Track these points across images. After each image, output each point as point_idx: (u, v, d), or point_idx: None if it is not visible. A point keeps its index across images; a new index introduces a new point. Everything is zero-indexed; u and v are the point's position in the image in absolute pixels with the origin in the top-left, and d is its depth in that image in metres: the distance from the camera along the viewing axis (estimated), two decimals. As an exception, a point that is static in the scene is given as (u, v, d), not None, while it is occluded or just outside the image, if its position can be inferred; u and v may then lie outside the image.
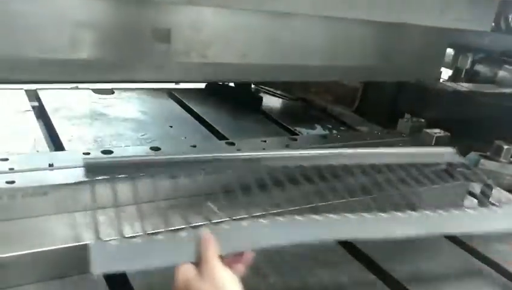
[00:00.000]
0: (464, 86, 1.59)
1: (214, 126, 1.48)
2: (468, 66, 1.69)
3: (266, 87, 1.98)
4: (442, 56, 1.42)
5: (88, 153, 0.98)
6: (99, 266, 0.63)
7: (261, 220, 0.73)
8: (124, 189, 0.84)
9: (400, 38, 1.24)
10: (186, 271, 0.65)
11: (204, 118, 1.55)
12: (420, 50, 1.29)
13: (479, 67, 1.79)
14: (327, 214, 0.78)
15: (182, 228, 0.75)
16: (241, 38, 1.01)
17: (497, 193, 1.27)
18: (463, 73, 1.70)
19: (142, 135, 1.33)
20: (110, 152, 1.01)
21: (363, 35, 1.16)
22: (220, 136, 1.41)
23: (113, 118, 1.43)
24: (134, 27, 0.89)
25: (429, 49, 1.31)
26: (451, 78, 1.77)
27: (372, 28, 1.17)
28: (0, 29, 0.76)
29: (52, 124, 1.31)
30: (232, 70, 1.04)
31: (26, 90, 1.52)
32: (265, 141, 1.22)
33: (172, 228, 0.76)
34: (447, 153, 1.12)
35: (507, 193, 1.29)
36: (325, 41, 1.12)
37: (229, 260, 0.68)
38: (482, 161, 1.26)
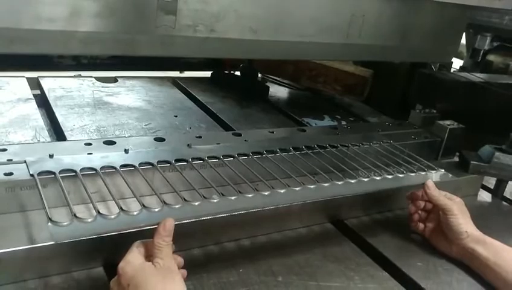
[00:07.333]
0: (478, 76, 1.54)
1: (220, 116, 1.45)
2: (486, 46, 1.62)
3: (273, 77, 1.94)
4: (459, 37, 1.34)
5: (90, 144, 0.95)
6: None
7: None
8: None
9: (415, 16, 1.16)
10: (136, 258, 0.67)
11: (210, 107, 1.52)
12: (437, 29, 1.21)
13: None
14: None
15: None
16: (252, 12, 0.93)
17: None
18: (480, 54, 1.64)
19: (146, 125, 1.29)
20: (113, 143, 0.97)
21: (379, 11, 1.10)
22: (226, 127, 1.37)
23: (116, 107, 1.39)
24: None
25: (446, 29, 1.23)
26: (468, 57, 1.71)
27: (388, 5, 1.10)
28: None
29: (54, 113, 1.28)
30: (241, 47, 0.97)
31: (27, 78, 1.49)
32: (273, 132, 1.18)
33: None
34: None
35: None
36: (340, 18, 1.05)
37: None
38: (497, 154, 1.21)
